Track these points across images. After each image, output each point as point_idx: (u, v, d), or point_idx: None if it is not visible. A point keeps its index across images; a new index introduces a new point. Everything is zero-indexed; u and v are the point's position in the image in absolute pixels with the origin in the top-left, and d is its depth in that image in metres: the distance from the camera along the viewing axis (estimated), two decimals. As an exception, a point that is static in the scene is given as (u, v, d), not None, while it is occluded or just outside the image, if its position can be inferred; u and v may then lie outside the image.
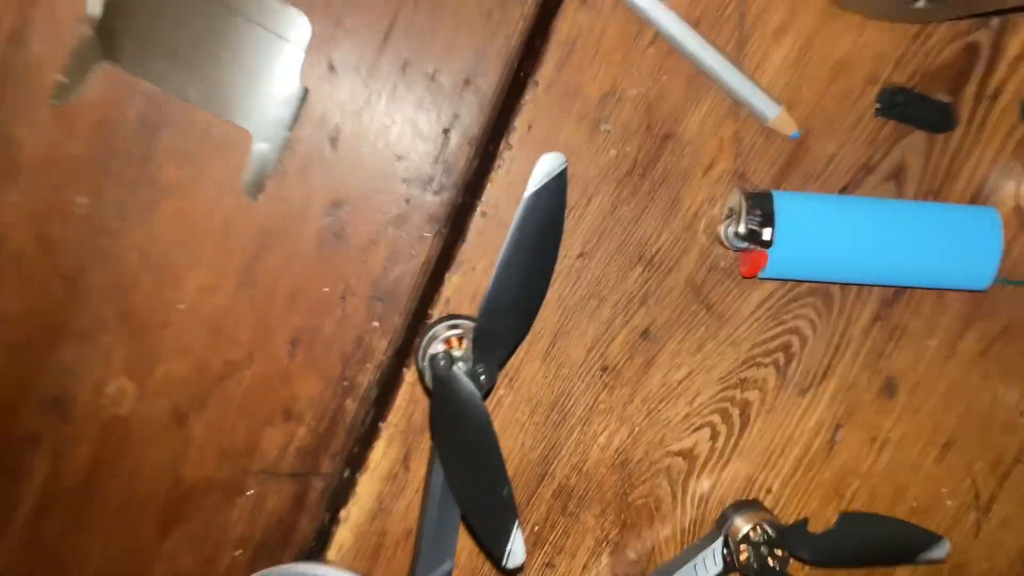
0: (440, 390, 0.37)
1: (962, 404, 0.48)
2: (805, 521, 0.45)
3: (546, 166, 0.35)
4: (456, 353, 0.38)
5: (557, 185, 0.35)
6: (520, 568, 0.38)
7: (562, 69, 0.42)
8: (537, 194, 0.35)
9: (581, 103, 0.43)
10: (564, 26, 0.42)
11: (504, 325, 0.37)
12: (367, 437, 0.44)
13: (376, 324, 0.43)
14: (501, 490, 0.36)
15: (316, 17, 0.40)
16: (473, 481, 0.37)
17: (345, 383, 0.43)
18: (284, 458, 0.44)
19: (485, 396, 0.38)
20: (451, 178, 0.42)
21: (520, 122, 0.42)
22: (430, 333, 0.38)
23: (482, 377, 0.37)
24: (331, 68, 0.41)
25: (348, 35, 0.41)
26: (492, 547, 0.37)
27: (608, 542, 0.47)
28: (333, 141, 0.41)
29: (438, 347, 0.38)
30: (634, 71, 0.43)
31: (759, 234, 0.42)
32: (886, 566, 0.48)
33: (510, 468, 0.45)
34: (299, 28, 0.40)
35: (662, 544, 0.47)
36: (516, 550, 0.36)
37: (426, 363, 0.38)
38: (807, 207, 0.43)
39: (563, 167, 0.35)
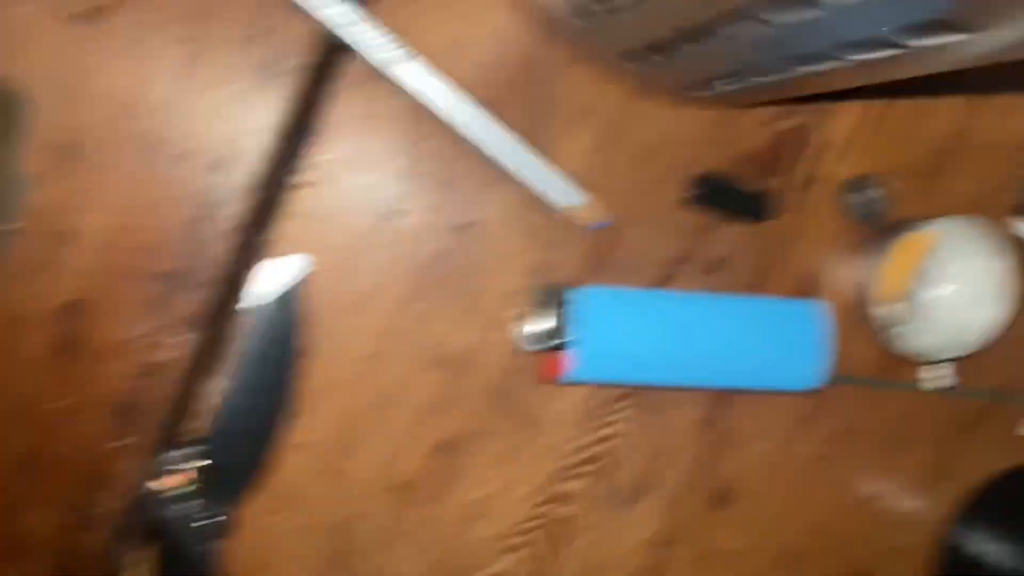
0: (160, 536, 0.31)
1: (801, 515, 0.44)
2: (625, 657, 0.40)
3: (285, 271, 0.30)
4: (178, 492, 0.32)
5: (294, 294, 0.30)
6: None
7: (332, 158, 0.38)
8: (277, 301, 0.30)
9: (366, 196, 0.38)
10: (334, 110, 0.38)
11: (236, 456, 0.32)
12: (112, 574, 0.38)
13: (120, 444, 0.37)
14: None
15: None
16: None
17: (82, 513, 0.37)
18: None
19: (214, 538, 0.32)
20: (210, 273, 0.37)
21: (293, 211, 0.38)
22: (155, 464, 0.33)
23: (209, 520, 0.32)
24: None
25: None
26: None
27: None
28: (66, 236, 0.36)
29: (158, 484, 0.32)
30: (422, 162, 0.39)
31: (556, 334, 0.38)
32: None
33: (288, 606, 0.39)
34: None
35: None
36: None
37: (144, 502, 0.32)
38: (613, 303, 0.39)
39: (305, 271, 0.30)
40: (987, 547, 0.45)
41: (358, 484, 0.40)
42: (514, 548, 0.41)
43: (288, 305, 0.29)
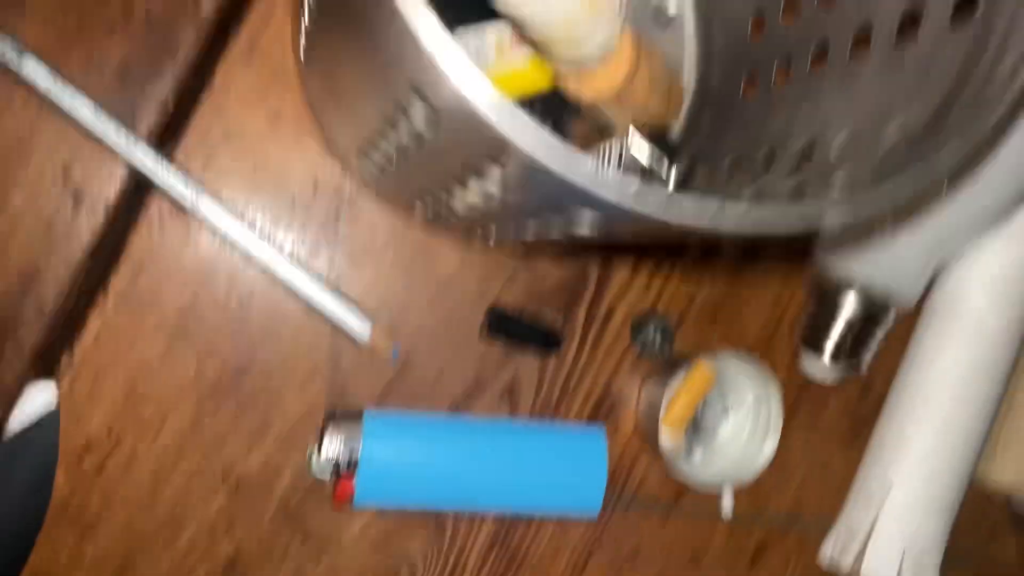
0: None
1: (592, 635, 0.46)
2: None
3: (34, 400, 0.31)
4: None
5: (46, 422, 0.31)
6: None
7: (135, 283, 0.40)
8: (19, 436, 0.31)
9: (157, 317, 0.40)
10: (137, 240, 0.40)
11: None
12: None
13: None
14: None
15: None
16: None
17: None
18: None
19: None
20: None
21: (84, 339, 0.39)
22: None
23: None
24: None
25: None
26: None
27: None
28: None
29: None
30: (217, 287, 0.41)
31: (340, 461, 0.40)
32: None
33: None
34: None
35: None
36: None
37: None
38: (403, 430, 0.41)
39: (53, 400, 0.32)
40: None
41: (139, 604, 0.40)
42: (297, 670, 0.42)
43: (33, 434, 0.30)
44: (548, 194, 0.23)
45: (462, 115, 0.19)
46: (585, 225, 0.26)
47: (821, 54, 0.36)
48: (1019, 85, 0.25)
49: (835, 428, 0.50)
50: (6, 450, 0.30)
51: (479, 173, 0.25)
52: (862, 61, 0.33)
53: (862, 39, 0.34)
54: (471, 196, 0.30)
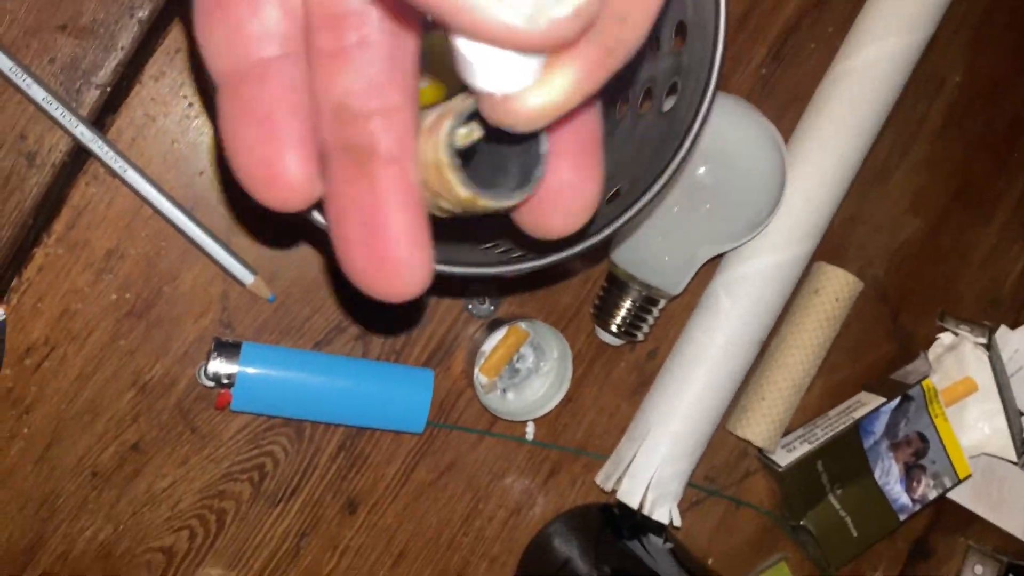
0: None
1: (414, 523, 0.60)
2: (248, 613, 0.54)
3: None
4: None
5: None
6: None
7: (73, 228, 0.52)
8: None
9: (88, 255, 0.52)
10: (76, 194, 0.52)
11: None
12: None
13: None
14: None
15: None
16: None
17: None
18: None
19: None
20: (-39, 305, 0.51)
21: (30, 268, 0.52)
22: None
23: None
24: None
25: None
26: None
27: (87, 624, 0.55)
28: None
29: None
30: (137, 236, 0.53)
31: (221, 376, 0.53)
32: (314, 654, 0.58)
33: (-5, 554, 0.53)
34: None
35: (139, 627, 0.56)
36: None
37: None
38: (268, 356, 0.54)
39: (2, 316, 0.44)
40: (558, 556, 0.62)
41: (62, 469, 0.53)
42: (180, 528, 0.56)
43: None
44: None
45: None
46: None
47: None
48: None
49: (623, 383, 0.64)
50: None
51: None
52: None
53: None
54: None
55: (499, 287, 0.59)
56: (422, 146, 0.21)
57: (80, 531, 0.54)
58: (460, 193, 0.21)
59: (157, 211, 0.52)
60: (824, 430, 0.65)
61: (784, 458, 0.64)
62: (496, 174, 0.23)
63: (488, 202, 0.21)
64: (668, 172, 0.38)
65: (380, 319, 0.57)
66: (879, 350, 0.70)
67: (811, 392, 0.67)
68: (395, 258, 0.20)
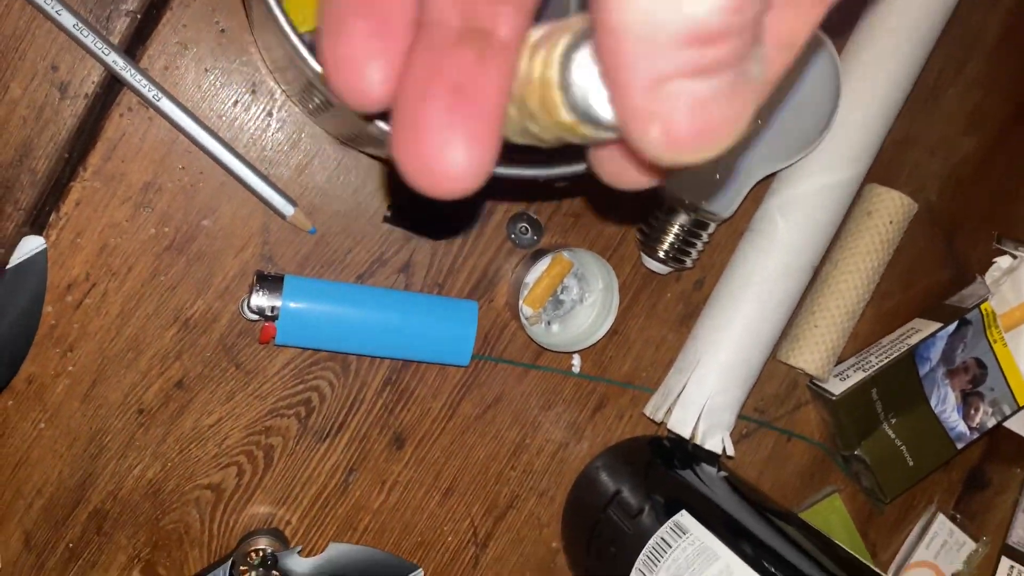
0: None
1: (462, 457, 0.60)
2: (298, 548, 0.54)
3: (26, 247, 0.43)
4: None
5: (35, 261, 0.43)
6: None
7: (108, 160, 0.51)
8: (13, 271, 0.43)
9: (125, 188, 0.51)
10: (110, 126, 0.51)
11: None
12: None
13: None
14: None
15: None
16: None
17: None
18: None
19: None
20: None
21: (67, 202, 0.50)
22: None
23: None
24: None
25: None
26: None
27: (140, 559, 0.55)
28: None
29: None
30: (174, 168, 0.52)
31: (265, 309, 0.52)
32: (366, 587, 0.58)
33: (46, 494, 0.52)
34: None
35: (191, 564, 0.56)
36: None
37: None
38: (312, 289, 0.53)
39: (41, 247, 0.43)
40: (608, 488, 0.61)
41: (108, 406, 0.53)
42: (228, 465, 0.55)
43: (26, 272, 0.42)
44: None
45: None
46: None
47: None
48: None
49: (670, 313, 0.62)
50: (7, 282, 0.42)
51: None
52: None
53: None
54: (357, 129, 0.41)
55: (548, 194, 0.58)
56: (524, 61, 0.19)
57: (128, 468, 0.54)
58: (563, 116, 0.19)
59: (194, 142, 0.51)
60: (878, 357, 0.64)
61: (837, 387, 0.63)
62: None
63: (588, 131, 0.19)
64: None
65: (429, 227, 0.56)
66: (933, 275, 0.68)
67: (863, 319, 0.66)
68: (474, 136, 0.19)
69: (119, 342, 0.53)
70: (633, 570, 0.49)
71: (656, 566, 0.48)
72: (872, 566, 0.49)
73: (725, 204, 0.56)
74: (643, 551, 0.50)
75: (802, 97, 0.54)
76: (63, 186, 0.51)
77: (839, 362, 0.65)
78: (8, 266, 0.43)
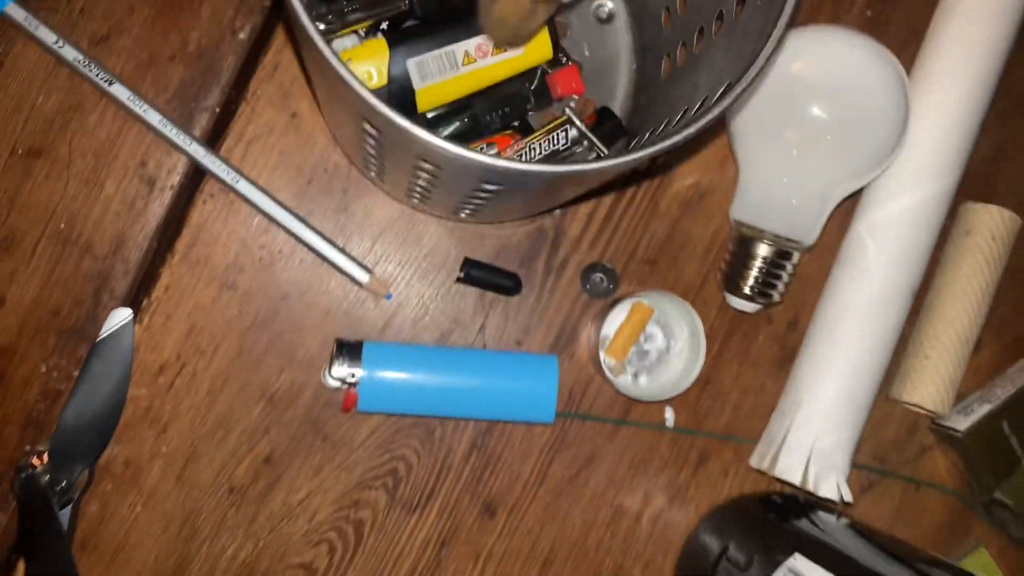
0: (22, 501, 0.46)
1: (557, 524, 0.57)
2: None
3: (115, 319, 0.45)
4: (39, 470, 0.46)
5: (123, 333, 0.45)
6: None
7: (194, 246, 0.54)
8: (104, 342, 0.45)
9: (210, 271, 0.54)
10: (195, 213, 0.54)
11: (81, 447, 0.46)
12: None
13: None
14: None
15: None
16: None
17: (-6, 499, 0.51)
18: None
19: (66, 504, 0.47)
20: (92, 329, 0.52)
21: (159, 286, 0.53)
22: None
23: (61, 486, 0.46)
24: None
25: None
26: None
27: (236, 648, 0.54)
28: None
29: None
30: (254, 247, 0.54)
31: (346, 377, 0.52)
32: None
33: (144, 577, 0.53)
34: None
35: (286, 650, 0.54)
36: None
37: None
38: (395, 354, 0.53)
39: (128, 319, 0.45)
40: (717, 548, 0.56)
41: (200, 486, 0.53)
42: (319, 542, 0.54)
43: (121, 339, 0.44)
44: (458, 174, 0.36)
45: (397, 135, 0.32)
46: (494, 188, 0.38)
47: (700, 33, 0.47)
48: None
49: (764, 358, 0.59)
50: (100, 348, 0.44)
51: (420, 167, 0.37)
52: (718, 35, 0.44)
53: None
54: (422, 181, 0.42)
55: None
56: None
57: (222, 550, 0.54)
58: None
59: (271, 219, 0.53)
60: (1004, 388, 0.58)
61: (962, 423, 0.57)
62: None
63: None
64: (759, 61, 0.35)
65: (500, 285, 0.56)
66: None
67: (985, 351, 0.61)
68: None
69: (209, 420, 0.54)
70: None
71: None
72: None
73: (806, 230, 0.53)
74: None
75: (871, 113, 0.52)
76: (153, 273, 0.53)
77: (961, 399, 0.59)
78: (99, 339, 0.45)
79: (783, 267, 0.54)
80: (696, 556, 0.56)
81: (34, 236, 0.52)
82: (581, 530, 0.57)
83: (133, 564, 0.53)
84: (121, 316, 0.45)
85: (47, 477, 0.46)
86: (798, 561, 0.44)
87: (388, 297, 0.55)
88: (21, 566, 0.49)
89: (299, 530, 0.54)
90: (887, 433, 0.60)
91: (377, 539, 0.55)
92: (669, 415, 0.58)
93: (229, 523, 0.54)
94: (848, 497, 0.53)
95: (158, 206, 0.53)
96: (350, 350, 0.53)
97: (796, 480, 0.53)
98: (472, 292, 0.56)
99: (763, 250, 0.54)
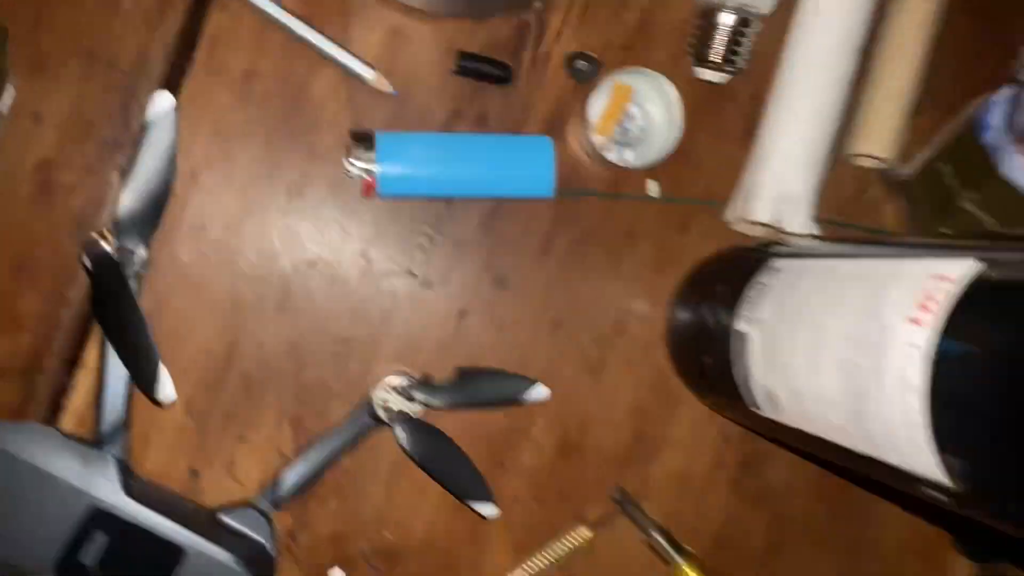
0: (95, 272, 0.51)
1: (561, 291, 0.64)
2: (431, 376, 0.59)
3: (158, 103, 0.50)
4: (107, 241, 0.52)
5: (167, 115, 0.50)
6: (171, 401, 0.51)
7: (212, 55, 0.58)
8: (155, 124, 0.50)
9: (228, 76, 0.58)
10: (210, 24, 0.58)
11: (144, 213, 0.52)
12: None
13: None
14: (144, 339, 0.50)
15: None
16: (124, 343, 0.51)
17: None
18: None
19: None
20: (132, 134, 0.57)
21: (181, 96, 0.58)
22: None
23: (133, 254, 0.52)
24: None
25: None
26: (147, 388, 0.50)
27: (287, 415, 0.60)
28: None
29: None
30: (267, 53, 0.59)
31: (369, 164, 0.58)
32: (497, 406, 0.62)
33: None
34: None
35: (331, 413, 0.61)
36: (164, 382, 0.50)
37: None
38: (403, 140, 0.59)
39: (171, 102, 0.50)
40: (700, 309, 0.64)
41: (242, 274, 0.59)
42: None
43: (170, 123, 0.50)
44: None
45: None
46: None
47: None
48: None
49: (733, 130, 0.66)
50: (150, 130, 0.49)
51: None
52: None
53: None
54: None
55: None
56: None
57: (264, 329, 0.60)
58: None
59: (288, 31, 0.58)
60: (943, 136, 0.66)
61: (906, 169, 0.65)
62: None
63: None
64: None
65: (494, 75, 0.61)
66: (984, 61, 0.70)
67: (921, 118, 0.68)
68: None
69: (236, 215, 0.59)
70: (738, 320, 0.52)
71: (758, 306, 0.51)
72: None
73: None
74: (741, 304, 0.52)
75: None
76: (176, 84, 0.58)
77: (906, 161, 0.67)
78: (146, 121, 0.51)
79: (744, 34, 0.61)
80: (686, 299, 0.64)
81: (60, 55, 0.56)
82: (584, 294, 0.64)
83: (188, 350, 0.59)
84: (163, 99, 0.50)
85: (115, 250, 0.51)
86: (778, 261, 0.52)
87: (395, 93, 0.60)
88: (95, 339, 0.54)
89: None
90: (845, 191, 0.68)
91: (403, 313, 0.61)
92: (653, 187, 0.64)
93: (268, 307, 0.60)
94: (816, 231, 0.60)
95: (173, 22, 0.58)
96: (363, 139, 0.58)
97: (766, 218, 0.60)
98: (468, 84, 0.62)
99: (725, 19, 0.60)
